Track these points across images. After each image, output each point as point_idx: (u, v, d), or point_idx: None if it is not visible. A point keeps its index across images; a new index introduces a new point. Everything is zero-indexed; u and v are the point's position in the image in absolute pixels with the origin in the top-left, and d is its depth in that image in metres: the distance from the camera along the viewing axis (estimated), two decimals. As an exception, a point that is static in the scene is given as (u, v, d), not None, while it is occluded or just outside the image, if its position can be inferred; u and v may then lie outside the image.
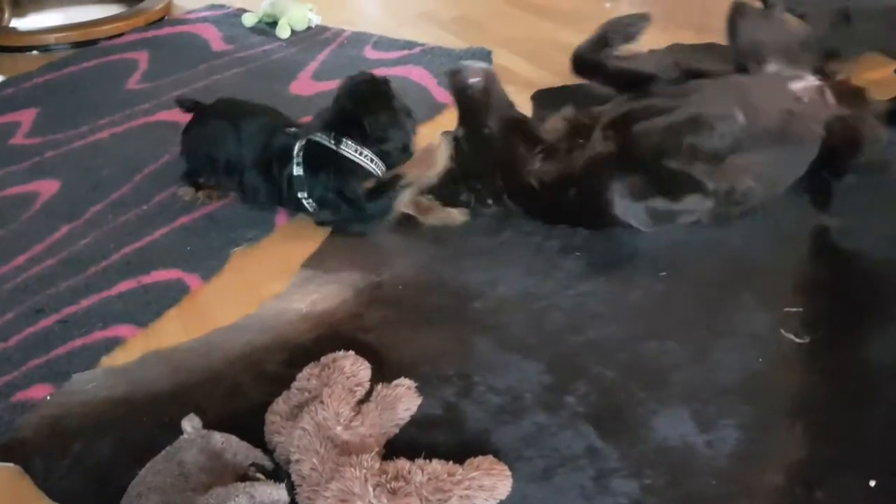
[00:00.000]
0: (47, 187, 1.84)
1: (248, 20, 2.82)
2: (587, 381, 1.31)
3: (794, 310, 1.46)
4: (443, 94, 2.15)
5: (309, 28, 2.81)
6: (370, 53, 2.53)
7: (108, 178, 1.87)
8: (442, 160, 1.66)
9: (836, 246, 1.65)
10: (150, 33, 2.74)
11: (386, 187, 1.64)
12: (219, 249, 1.62)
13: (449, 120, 1.93)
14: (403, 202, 1.65)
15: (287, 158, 1.64)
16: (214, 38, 2.74)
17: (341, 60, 2.47)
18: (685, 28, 2.66)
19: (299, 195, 1.65)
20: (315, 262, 1.62)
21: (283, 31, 2.72)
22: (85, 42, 2.65)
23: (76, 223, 1.70)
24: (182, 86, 2.32)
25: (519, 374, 1.33)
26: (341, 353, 1.25)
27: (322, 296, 1.52)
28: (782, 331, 1.42)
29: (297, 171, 1.64)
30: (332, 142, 1.62)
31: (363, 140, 1.62)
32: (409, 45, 2.65)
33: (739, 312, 1.47)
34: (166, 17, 2.89)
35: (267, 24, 2.84)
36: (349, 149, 1.63)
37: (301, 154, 1.64)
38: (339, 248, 1.67)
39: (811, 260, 1.62)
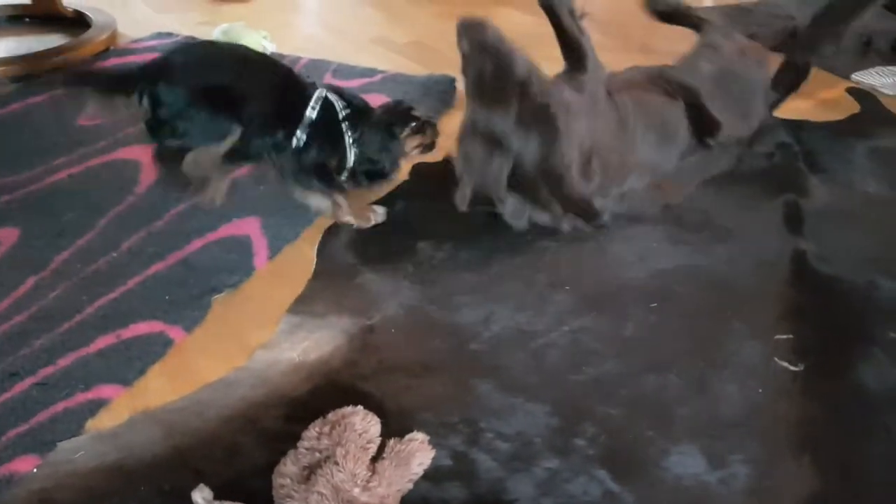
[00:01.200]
0: (6, 236, 1.73)
1: (200, 49, 2.74)
2: (594, 421, 1.31)
3: (785, 337, 1.49)
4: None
5: (263, 56, 2.74)
6: (331, 82, 2.48)
7: (71, 224, 1.78)
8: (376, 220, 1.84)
9: (814, 270, 1.68)
10: (96, 65, 2.64)
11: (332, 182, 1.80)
12: (199, 298, 1.56)
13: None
14: (337, 203, 1.81)
15: (305, 96, 1.76)
16: (165, 68, 2.65)
17: (302, 90, 2.41)
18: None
19: (298, 133, 1.74)
20: (301, 307, 1.57)
21: (238, 60, 2.64)
22: (27, 76, 2.52)
23: (43, 274, 1.61)
24: (138, 121, 2.22)
25: (525, 417, 1.31)
26: (349, 408, 1.21)
27: (313, 342, 1.47)
28: (776, 359, 1.44)
29: (311, 113, 1.76)
30: (342, 113, 1.78)
31: (359, 136, 1.78)
32: (370, 72, 2.63)
33: (732, 342, 1.49)
34: (111, 48, 2.79)
35: (219, 52, 2.76)
36: (350, 130, 1.79)
37: (319, 102, 1.76)
38: (323, 289, 1.63)
39: (793, 285, 1.65)
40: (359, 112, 1.81)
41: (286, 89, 1.78)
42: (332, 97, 1.79)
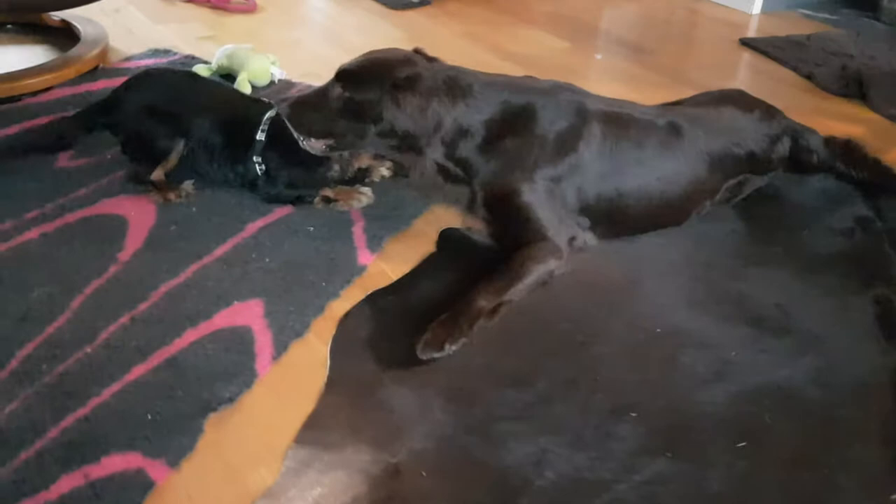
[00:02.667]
0: (-40, 317, 1.45)
1: (200, 73, 2.45)
2: None
3: (903, 499, 1.21)
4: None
5: (272, 83, 2.45)
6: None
7: (39, 303, 1.50)
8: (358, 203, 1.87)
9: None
10: (83, 87, 2.35)
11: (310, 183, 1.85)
12: (190, 418, 1.28)
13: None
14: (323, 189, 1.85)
15: (256, 122, 1.83)
16: (160, 93, 2.35)
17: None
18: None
19: (253, 157, 1.82)
20: (312, 434, 1.29)
21: (243, 88, 2.36)
22: (4, 99, 2.23)
23: (-1, 376, 1.33)
24: (128, 162, 1.94)
25: None
26: None
27: (326, 490, 1.19)
28: (897, 533, 1.16)
29: (260, 136, 1.82)
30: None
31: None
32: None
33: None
34: (101, 67, 2.49)
35: (221, 75, 2.48)
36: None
37: (268, 123, 1.82)
38: (338, 408, 1.35)
39: (903, 421, 1.37)
40: None
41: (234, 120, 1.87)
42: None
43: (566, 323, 1.57)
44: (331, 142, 1.71)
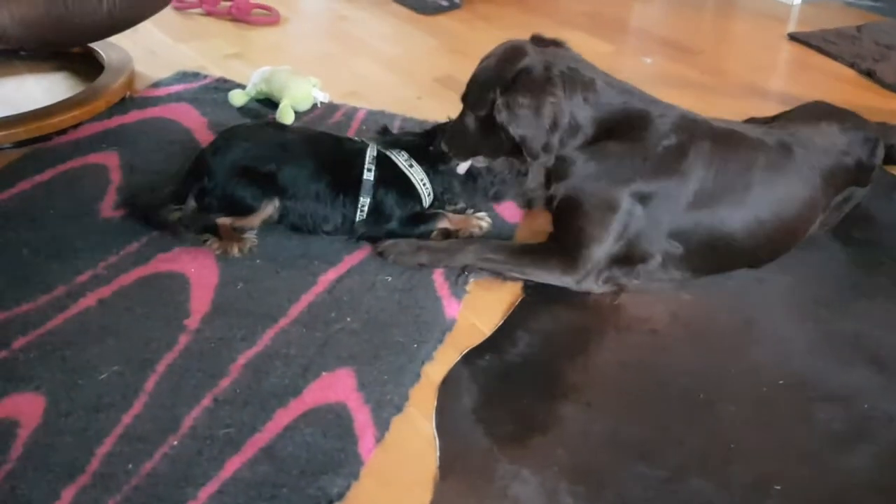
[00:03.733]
0: (27, 408, 1.32)
1: (237, 99, 2.30)
2: None
3: None
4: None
5: (315, 107, 2.30)
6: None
7: (111, 386, 1.36)
8: (477, 232, 1.78)
9: None
10: (115, 121, 2.20)
11: (427, 217, 1.77)
12: (298, 521, 1.14)
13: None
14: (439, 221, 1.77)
15: (358, 162, 1.73)
16: (197, 124, 2.21)
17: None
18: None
19: (361, 199, 1.71)
20: (434, 533, 1.16)
21: (286, 116, 2.21)
22: (33, 140, 2.07)
23: (81, 480, 1.19)
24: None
25: None
26: None
27: None
28: None
29: (368, 175, 1.72)
30: (406, 162, 1.76)
31: (430, 167, 1.77)
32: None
33: None
34: (129, 96, 2.33)
35: (258, 100, 2.32)
36: (417, 174, 1.76)
37: (374, 162, 1.73)
38: (457, 496, 1.22)
39: None
40: (420, 152, 1.78)
41: (336, 165, 1.75)
42: (386, 151, 1.77)
43: (684, 378, 1.45)
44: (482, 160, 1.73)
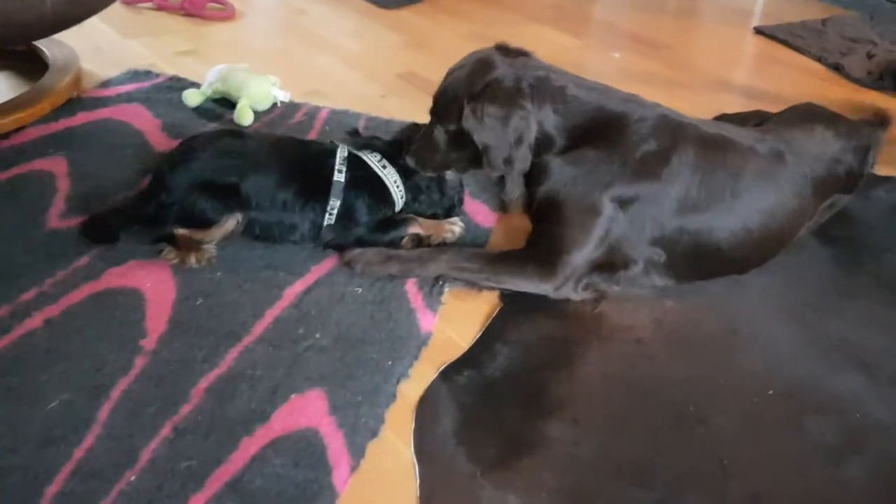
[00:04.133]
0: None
1: (192, 99, 2.19)
2: None
3: None
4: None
5: (274, 106, 2.20)
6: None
7: (61, 417, 1.26)
8: (450, 238, 1.70)
9: None
10: (61, 124, 2.06)
11: (397, 223, 1.67)
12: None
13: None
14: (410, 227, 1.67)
15: (328, 163, 1.63)
16: (150, 126, 2.09)
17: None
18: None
19: (331, 201, 1.61)
20: (420, 569, 1.08)
21: (245, 117, 2.11)
22: (-30, 146, 1.94)
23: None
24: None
25: None
26: None
27: None
28: None
29: (339, 176, 1.62)
30: (379, 163, 1.67)
31: (402, 171, 1.67)
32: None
33: None
34: (76, 96, 2.19)
35: (214, 100, 2.21)
36: (391, 176, 1.67)
37: (345, 163, 1.63)
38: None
39: None
40: (393, 154, 1.69)
41: (306, 167, 1.65)
42: (358, 153, 1.68)
43: (672, 390, 1.39)
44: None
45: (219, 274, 1.58)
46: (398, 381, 1.37)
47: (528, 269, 1.57)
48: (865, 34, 2.94)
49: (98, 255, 1.60)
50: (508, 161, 1.53)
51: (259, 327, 1.46)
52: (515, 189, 1.59)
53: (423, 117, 2.03)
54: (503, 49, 1.59)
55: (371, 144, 1.72)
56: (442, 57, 2.56)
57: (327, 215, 1.63)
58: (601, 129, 1.54)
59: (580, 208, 1.53)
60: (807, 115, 1.83)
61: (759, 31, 3.01)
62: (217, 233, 1.59)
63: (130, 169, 1.89)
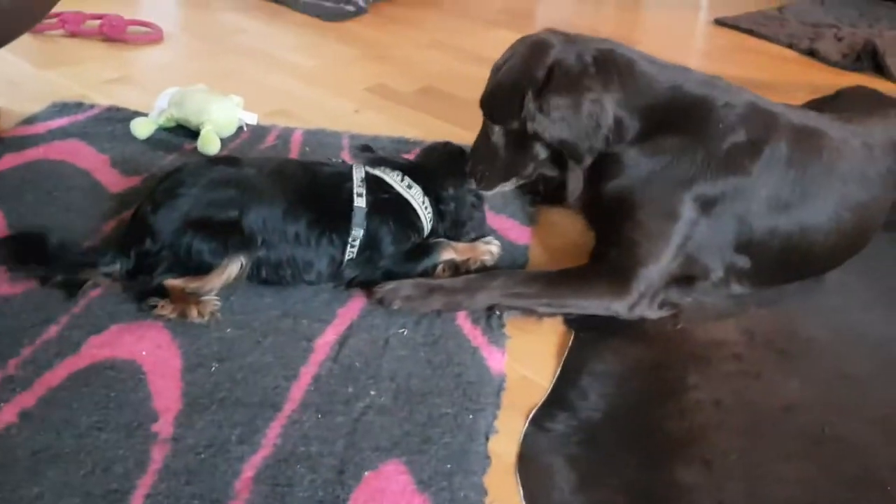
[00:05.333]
0: None
1: (142, 129, 1.88)
2: None
3: None
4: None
5: (240, 130, 1.91)
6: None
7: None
8: (489, 260, 1.46)
9: None
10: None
11: (427, 249, 1.42)
12: None
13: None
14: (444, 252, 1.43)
15: (345, 187, 1.37)
16: (97, 163, 1.78)
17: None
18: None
19: (353, 231, 1.35)
20: None
21: (210, 145, 1.81)
22: None
23: None
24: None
25: None
26: None
27: None
28: None
29: (359, 202, 1.36)
30: (402, 183, 1.42)
31: (427, 191, 1.44)
32: (404, 144, 1.89)
33: None
34: (-1, 137, 1.84)
35: (167, 129, 1.90)
36: (418, 197, 1.43)
37: (364, 185, 1.38)
38: None
39: None
40: (416, 172, 1.45)
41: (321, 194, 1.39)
42: (377, 171, 1.43)
43: (798, 412, 1.22)
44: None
45: (229, 330, 1.29)
46: (487, 439, 1.12)
47: (597, 288, 1.35)
48: (824, 19, 2.90)
49: (70, 324, 1.28)
50: (592, 150, 1.34)
51: (297, 391, 1.18)
52: (578, 185, 1.40)
53: (405, 131, 1.82)
54: (553, 31, 1.40)
55: (388, 161, 1.47)
56: (408, 67, 2.35)
57: (349, 248, 1.37)
58: (681, 115, 1.35)
59: (658, 212, 1.33)
60: (868, 100, 1.69)
61: (719, 22, 2.92)
62: (217, 280, 1.31)
63: (83, 215, 1.57)
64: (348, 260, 1.38)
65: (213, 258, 1.29)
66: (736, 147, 1.33)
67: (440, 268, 1.43)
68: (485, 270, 1.44)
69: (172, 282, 1.30)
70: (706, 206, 1.33)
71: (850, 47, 2.58)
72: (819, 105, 1.71)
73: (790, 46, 2.66)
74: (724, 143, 1.33)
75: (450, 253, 1.44)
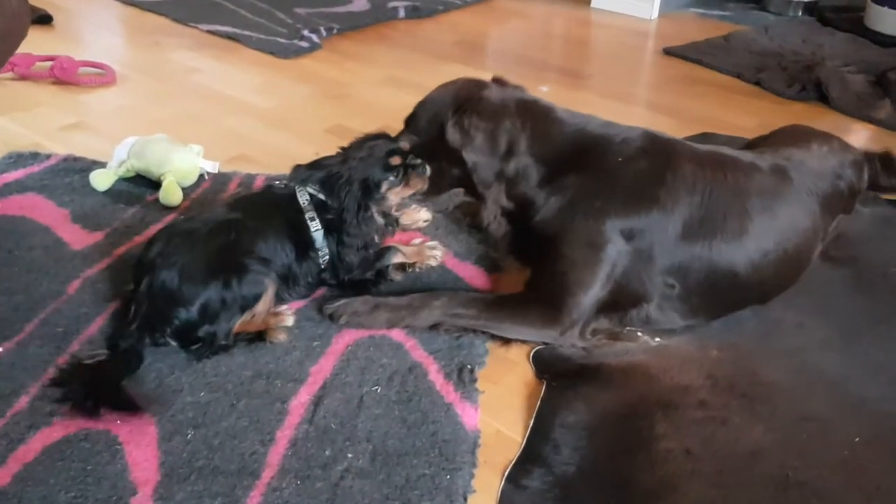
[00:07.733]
0: None
1: (102, 180, 1.86)
2: None
3: None
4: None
5: (202, 179, 1.91)
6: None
7: None
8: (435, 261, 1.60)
9: None
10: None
11: (379, 254, 1.56)
12: None
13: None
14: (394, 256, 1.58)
15: (300, 216, 1.46)
16: (57, 219, 1.76)
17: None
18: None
19: (321, 252, 1.48)
20: None
21: (173, 195, 1.81)
22: None
23: None
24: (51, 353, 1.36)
25: None
26: None
27: None
28: None
29: (315, 226, 1.47)
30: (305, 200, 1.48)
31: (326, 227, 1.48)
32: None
33: None
34: (-48, 194, 1.81)
35: (127, 179, 1.89)
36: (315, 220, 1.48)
37: (312, 207, 1.48)
38: None
39: None
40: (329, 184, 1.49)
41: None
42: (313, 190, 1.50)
43: (764, 458, 1.25)
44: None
45: (202, 394, 1.29)
46: (465, 499, 1.14)
47: (531, 315, 1.42)
48: (769, 47, 3.00)
49: (39, 395, 1.27)
50: (500, 176, 1.47)
51: (275, 456, 1.19)
52: (491, 214, 1.52)
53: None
54: (499, 81, 1.56)
55: (315, 176, 1.52)
56: (364, 106, 2.36)
57: (321, 261, 1.50)
58: (582, 154, 1.46)
59: (579, 243, 1.42)
60: (798, 133, 1.76)
61: (668, 52, 3.00)
62: (267, 302, 1.39)
63: (47, 276, 1.55)
64: (323, 269, 1.50)
65: (256, 287, 1.36)
66: (638, 176, 1.41)
67: (391, 269, 1.57)
68: (431, 270, 1.59)
69: (237, 327, 1.36)
70: (623, 233, 1.40)
71: (794, 77, 2.67)
72: (755, 143, 1.78)
73: (738, 76, 2.74)
74: (626, 173, 1.41)
75: (399, 256, 1.58)
